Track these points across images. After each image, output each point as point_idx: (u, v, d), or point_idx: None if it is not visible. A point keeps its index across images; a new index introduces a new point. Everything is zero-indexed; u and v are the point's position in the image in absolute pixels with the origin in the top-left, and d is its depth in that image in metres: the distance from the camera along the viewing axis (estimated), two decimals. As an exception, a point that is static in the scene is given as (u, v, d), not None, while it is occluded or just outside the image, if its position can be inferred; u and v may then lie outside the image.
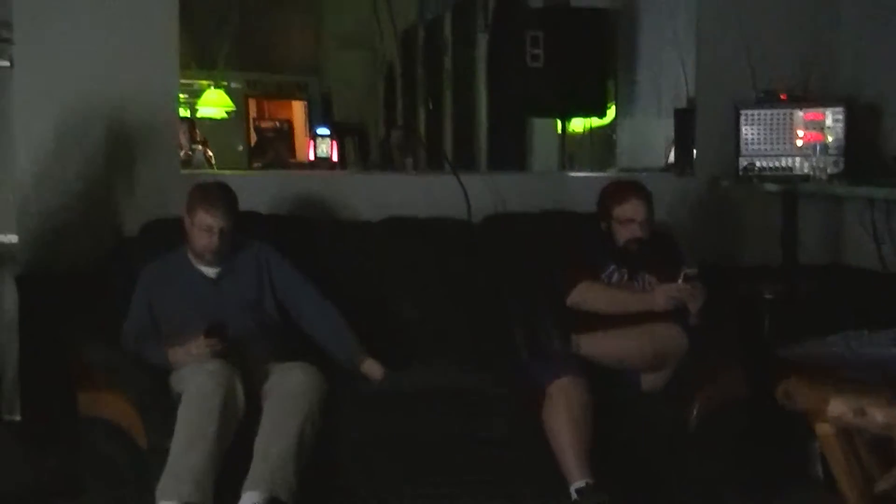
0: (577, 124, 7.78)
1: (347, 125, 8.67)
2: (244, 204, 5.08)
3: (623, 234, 5.19)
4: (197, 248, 4.91)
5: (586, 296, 5.05)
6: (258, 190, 5.69)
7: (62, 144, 5.54)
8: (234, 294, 4.92)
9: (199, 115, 8.19)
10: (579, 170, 7.45)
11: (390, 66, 10.04)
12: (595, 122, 7.66)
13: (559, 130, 7.49)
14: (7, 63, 5.74)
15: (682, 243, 5.53)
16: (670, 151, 6.64)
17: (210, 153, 8.07)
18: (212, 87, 9.25)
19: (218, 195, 4.93)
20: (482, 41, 8.98)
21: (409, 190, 6.01)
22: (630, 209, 5.16)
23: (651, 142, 7.18)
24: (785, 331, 5.39)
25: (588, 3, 7.52)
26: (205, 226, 4.87)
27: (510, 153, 8.23)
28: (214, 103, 9.37)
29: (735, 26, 6.22)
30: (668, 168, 6.64)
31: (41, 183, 5.52)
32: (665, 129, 6.79)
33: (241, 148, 9.17)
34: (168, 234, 5.10)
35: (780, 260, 5.91)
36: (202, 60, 8.68)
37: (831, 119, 5.89)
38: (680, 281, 4.93)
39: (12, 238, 5.72)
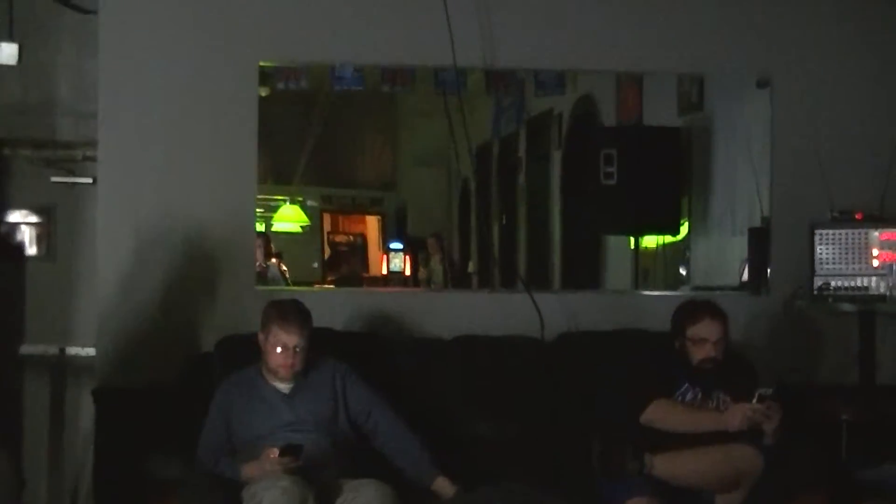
0: (651, 241, 7.77)
1: (421, 240, 8.72)
2: (318, 320, 5.13)
3: (697, 353, 5.17)
4: (272, 366, 4.95)
5: (660, 414, 5.02)
6: (332, 306, 5.76)
7: (142, 260, 5.66)
8: (308, 410, 4.95)
9: (274, 229, 8.28)
10: (652, 288, 7.43)
11: (465, 182, 10.11)
12: (669, 239, 7.65)
13: (632, 248, 7.48)
14: (90, 180, 5.90)
15: (756, 363, 5.50)
16: (744, 270, 6.62)
17: (284, 267, 8.14)
18: (287, 203, 9.37)
19: (293, 313, 4.98)
20: (556, 158, 9.04)
21: (483, 308, 6.04)
22: (704, 329, 5.15)
23: (725, 260, 7.14)
24: (863, 454, 5.32)
25: (661, 122, 7.57)
26: (280, 343, 4.91)
27: (583, 270, 8.22)
28: (290, 218, 9.48)
29: (809, 146, 6.26)
30: (742, 287, 6.61)
31: (121, 297, 5.63)
32: (739, 247, 6.77)
33: (315, 264, 9.25)
34: (243, 350, 5.15)
35: (857, 380, 5.85)
36: (279, 176, 8.79)
37: (908, 239, 5.86)
38: (754, 401, 4.89)
39: (90, 351, 5.82)
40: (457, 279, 7.93)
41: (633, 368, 5.25)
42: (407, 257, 7.72)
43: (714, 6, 6.33)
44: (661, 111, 7.81)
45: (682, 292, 6.88)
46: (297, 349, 4.92)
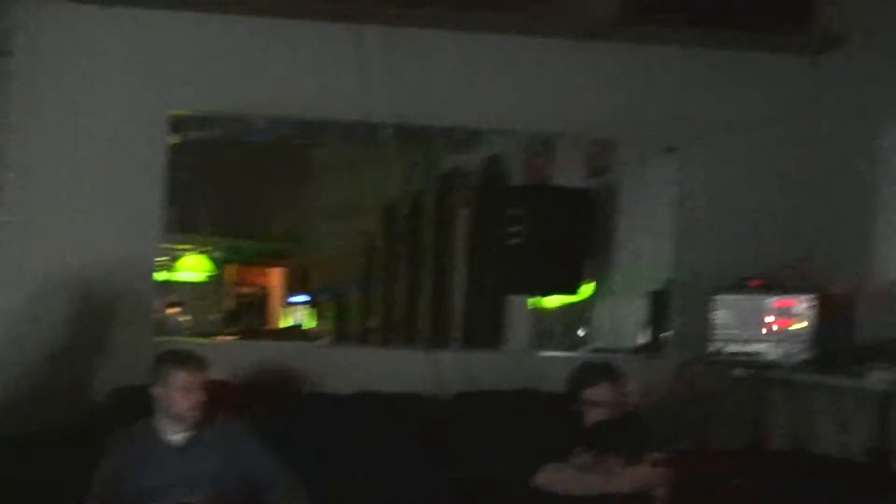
0: (553, 301, 7.82)
1: (324, 294, 8.73)
2: (216, 373, 5.08)
3: (591, 416, 5.20)
4: (176, 411, 4.87)
5: (552, 477, 5.03)
6: (231, 358, 5.71)
7: (37, 308, 5.58)
8: (201, 465, 4.88)
9: (176, 277, 8.23)
10: (553, 349, 7.48)
11: (371, 238, 10.12)
12: (571, 300, 7.71)
13: (534, 308, 7.54)
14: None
15: (651, 426, 5.53)
16: (643, 333, 6.69)
17: (186, 317, 8.09)
18: (191, 254, 9.32)
19: (190, 355, 4.94)
20: (463, 216, 9.09)
21: (382, 364, 6.04)
22: (598, 392, 5.17)
23: (625, 322, 7.22)
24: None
25: (570, 183, 7.65)
26: (181, 384, 4.84)
27: (485, 329, 8.25)
28: (193, 268, 9.43)
29: (712, 215, 6.35)
30: (640, 349, 6.67)
31: (12, 347, 5.53)
32: (639, 310, 6.84)
33: (214, 315, 9.19)
34: (138, 400, 5.07)
35: (748, 444, 5.92)
36: (185, 225, 8.75)
37: (802, 307, 5.94)
38: (647, 464, 4.92)
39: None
40: (358, 335, 7.95)
41: (527, 430, 5.26)
42: (309, 310, 7.71)
43: (626, 73, 6.42)
44: (570, 173, 7.91)
45: (582, 353, 6.94)
46: (198, 389, 4.86)
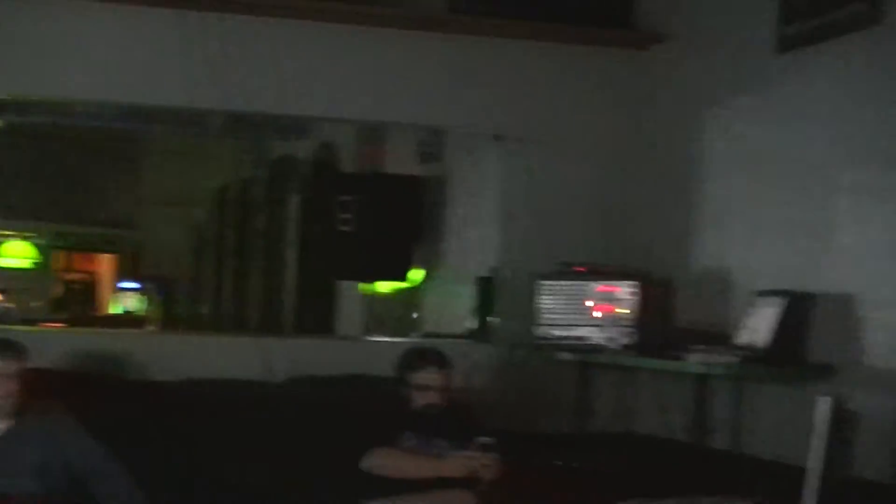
0: (385, 287, 7.88)
1: (155, 280, 8.64)
2: (40, 360, 5.00)
3: (419, 400, 5.27)
4: None
5: (380, 461, 5.08)
6: (55, 346, 5.62)
7: None
8: (19, 456, 4.79)
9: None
10: (384, 334, 7.54)
11: (202, 225, 10.05)
12: (402, 286, 7.78)
13: (365, 293, 7.59)
14: None
15: (479, 411, 5.62)
16: (472, 319, 6.78)
17: (10, 304, 7.94)
18: (15, 240, 9.13)
19: (5, 343, 4.84)
20: (294, 203, 9.09)
21: (212, 351, 6.01)
22: (426, 377, 5.25)
23: (454, 308, 7.32)
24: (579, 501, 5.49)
25: (400, 171, 7.71)
26: None
27: (316, 315, 8.28)
28: (17, 255, 9.25)
29: (537, 202, 6.46)
30: (469, 335, 6.77)
31: None
32: (468, 296, 6.93)
33: (40, 302, 9.02)
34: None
35: (573, 428, 6.05)
36: (8, 211, 8.57)
37: (626, 292, 6.08)
38: (473, 449, 5.00)
39: None
40: (188, 321, 7.90)
41: (357, 414, 5.30)
42: (139, 297, 7.64)
43: (456, 63, 6.48)
44: (401, 161, 7.97)
45: (412, 339, 7.01)
46: (12, 378, 4.76)
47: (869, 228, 5.12)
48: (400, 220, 7.31)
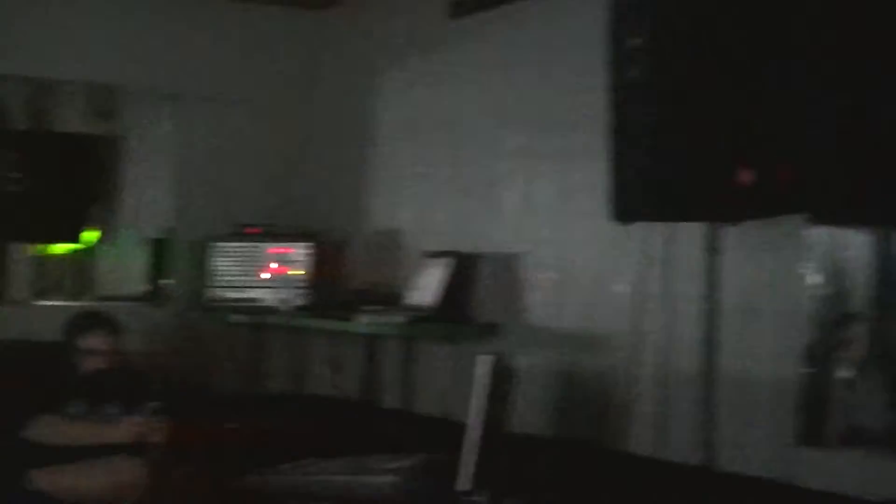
0: (60, 249, 7.64)
1: None
2: None
3: (87, 365, 5.17)
4: None
5: (45, 429, 4.96)
6: None
7: None
8: None
9: None
10: (58, 298, 7.32)
11: None
12: (75, 247, 7.56)
13: (35, 255, 7.35)
14: None
15: (152, 374, 5.55)
16: (146, 281, 6.69)
17: None
18: None
19: None
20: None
21: None
22: (93, 340, 5.16)
23: (129, 270, 7.18)
24: (255, 460, 5.51)
25: (72, 129, 7.48)
26: None
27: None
28: None
29: (213, 163, 6.42)
30: (142, 298, 6.67)
31: None
32: (142, 258, 6.82)
33: None
34: None
35: (247, 390, 6.07)
36: None
37: (300, 254, 6.12)
38: (145, 414, 4.95)
39: None
40: None
41: (21, 381, 5.16)
42: None
43: (131, 19, 6.35)
44: (76, 119, 7.73)
45: (85, 302, 6.84)
46: None
47: (532, 191, 5.31)
48: (73, 179, 7.09)
